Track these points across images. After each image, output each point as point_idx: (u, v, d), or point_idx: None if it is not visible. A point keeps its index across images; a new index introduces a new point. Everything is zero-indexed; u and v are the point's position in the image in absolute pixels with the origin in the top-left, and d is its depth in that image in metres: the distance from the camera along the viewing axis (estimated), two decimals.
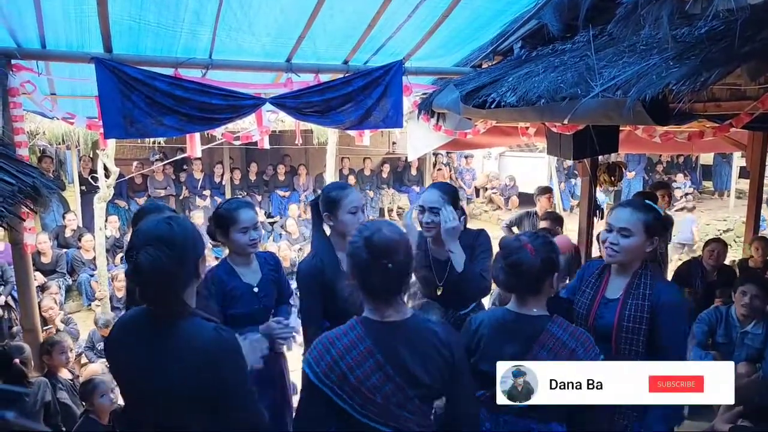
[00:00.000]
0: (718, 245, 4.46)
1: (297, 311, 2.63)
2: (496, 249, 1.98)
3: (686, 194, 11.93)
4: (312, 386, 1.50)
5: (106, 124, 3.18)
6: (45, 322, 4.71)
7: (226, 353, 1.42)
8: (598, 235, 3.62)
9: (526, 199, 12.09)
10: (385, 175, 11.33)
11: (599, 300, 2.06)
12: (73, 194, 8.66)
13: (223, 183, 9.99)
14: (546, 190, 5.68)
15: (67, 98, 4.26)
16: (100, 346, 5.00)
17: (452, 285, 2.34)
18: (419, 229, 2.36)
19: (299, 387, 1.60)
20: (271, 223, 9.60)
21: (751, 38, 1.93)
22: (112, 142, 5.76)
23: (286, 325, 2.30)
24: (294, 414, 1.90)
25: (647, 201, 2.10)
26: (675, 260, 8.69)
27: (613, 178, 4.75)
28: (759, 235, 5.21)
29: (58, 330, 4.72)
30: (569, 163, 11.05)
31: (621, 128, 4.04)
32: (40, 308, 4.09)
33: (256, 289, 2.40)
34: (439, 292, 2.40)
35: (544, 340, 1.74)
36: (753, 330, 3.23)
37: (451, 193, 2.37)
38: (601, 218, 4.67)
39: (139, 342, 1.45)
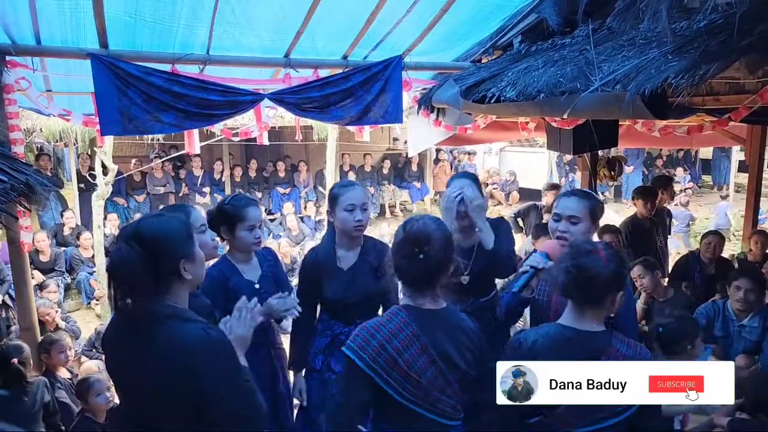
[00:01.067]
0: (714, 237, 4.46)
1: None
2: None
3: (685, 188, 11.92)
4: (358, 373, 1.52)
5: (103, 120, 3.16)
6: (42, 325, 4.70)
7: (212, 353, 1.38)
8: None
9: (526, 194, 12.08)
10: (385, 171, 11.32)
11: None
12: (71, 192, 8.64)
13: (223, 180, 9.97)
14: (554, 187, 5.76)
15: (63, 95, 4.25)
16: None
17: (479, 269, 2.45)
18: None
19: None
20: (272, 220, 9.60)
21: (750, 31, 1.92)
22: (109, 140, 5.75)
23: (290, 300, 2.26)
24: (330, 404, 1.95)
25: (587, 190, 2.19)
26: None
27: (612, 173, 4.75)
28: (758, 228, 5.20)
29: (58, 327, 4.71)
30: (569, 157, 11.04)
31: (620, 123, 4.03)
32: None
33: (257, 285, 2.41)
34: (465, 282, 2.47)
35: (611, 356, 1.67)
36: (750, 323, 3.24)
37: (475, 179, 2.58)
38: None
39: (126, 341, 1.44)
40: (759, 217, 7.39)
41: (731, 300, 3.29)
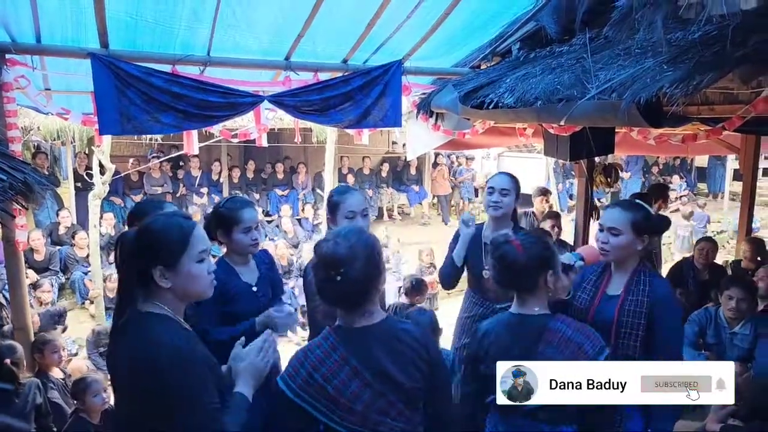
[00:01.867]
0: (707, 244, 4.51)
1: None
2: None
3: (681, 196, 11.99)
4: (290, 402, 1.47)
5: (102, 120, 3.17)
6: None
7: (178, 363, 1.33)
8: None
9: (524, 199, 12.07)
10: (384, 174, 11.34)
11: (600, 296, 2.12)
12: (67, 191, 8.62)
13: (221, 181, 9.97)
14: (543, 192, 5.75)
15: (61, 93, 4.24)
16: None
17: None
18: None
19: None
20: (269, 222, 9.60)
21: (743, 43, 1.95)
22: (107, 139, 5.74)
23: (286, 312, 2.26)
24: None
25: (637, 201, 2.19)
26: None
27: (609, 180, 4.79)
28: (750, 236, 5.23)
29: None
30: (566, 163, 11.09)
31: (617, 130, 4.06)
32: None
33: (254, 288, 2.40)
34: (486, 275, 2.56)
35: (549, 337, 1.74)
36: (741, 331, 3.27)
37: (517, 181, 2.76)
38: (598, 218, 4.70)
39: (112, 337, 1.48)
40: (753, 225, 7.46)
41: (723, 308, 3.32)
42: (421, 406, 1.60)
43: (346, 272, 1.45)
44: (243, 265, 2.42)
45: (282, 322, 2.21)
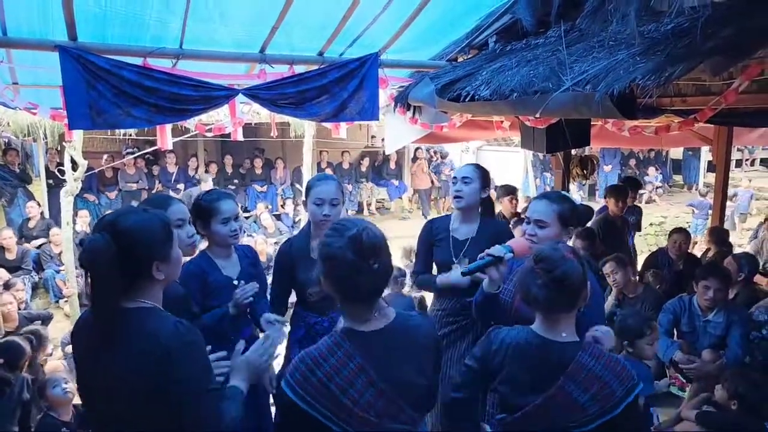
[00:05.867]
0: (680, 236, 4.60)
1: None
2: None
3: (657, 187, 12.23)
4: (298, 411, 1.38)
5: (71, 114, 3.07)
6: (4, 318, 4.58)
7: (184, 349, 1.37)
8: None
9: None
10: (363, 169, 11.31)
11: None
12: (40, 188, 8.40)
13: (198, 176, 9.82)
14: (509, 191, 5.42)
15: (30, 88, 4.12)
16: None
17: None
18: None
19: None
20: (247, 218, 9.50)
21: (714, 35, 1.98)
22: (79, 134, 5.60)
23: (247, 287, 2.26)
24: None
25: (563, 193, 2.23)
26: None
27: (585, 171, 4.85)
28: (712, 226, 5.41)
29: (19, 326, 4.59)
30: (545, 156, 11.20)
31: (593, 123, 4.11)
32: None
33: (236, 282, 2.39)
34: (454, 269, 2.53)
35: (574, 372, 1.57)
36: (714, 318, 3.34)
37: (482, 170, 2.69)
38: None
39: (91, 337, 1.42)
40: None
41: (699, 298, 3.38)
42: (430, 403, 1.59)
43: (384, 260, 1.43)
44: (225, 259, 2.42)
45: (241, 295, 2.22)
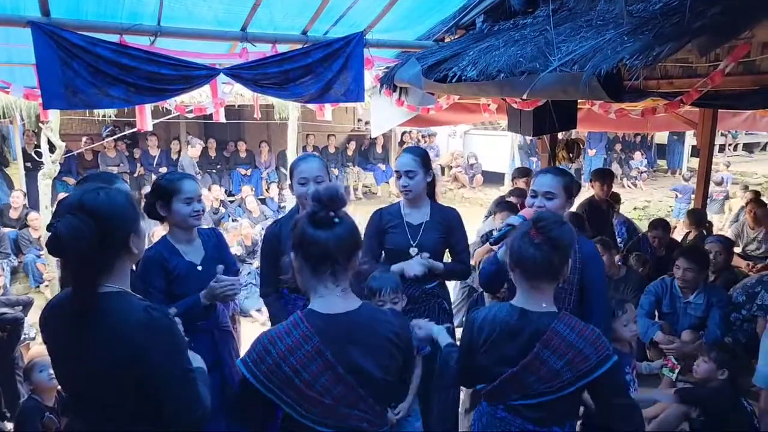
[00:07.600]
0: (657, 231, 4.63)
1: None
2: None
3: (642, 172, 12.34)
4: (252, 389, 1.38)
5: (45, 93, 2.96)
6: None
7: (156, 334, 1.34)
8: None
9: (490, 177, 12.24)
10: (350, 153, 11.22)
11: None
12: (17, 171, 8.19)
13: (180, 159, 9.65)
14: (526, 173, 5.34)
15: (3, 66, 3.98)
16: None
17: (426, 249, 2.52)
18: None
19: None
20: (231, 201, 9.39)
21: (702, 14, 1.96)
22: (55, 115, 5.45)
23: (227, 282, 2.22)
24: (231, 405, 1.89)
25: (562, 167, 2.30)
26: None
27: (571, 155, 4.84)
28: (690, 209, 5.48)
29: None
30: (531, 140, 11.21)
31: (580, 106, 4.09)
32: None
33: (199, 268, 2.32)
34: (413, 253, 2.52)
35: (549, 339, 1.60)
36: (695, 300, 3.38)
37: (423, 155, 2.58)
38: None
39: (65, 323, 1.37)
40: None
41: (676, 278, 3.43)
42: (391, 398, 1.58)
43: (344, 215, 1.40)
44: (186, 244, 2.34)
45: (219, 288, 2.18)
